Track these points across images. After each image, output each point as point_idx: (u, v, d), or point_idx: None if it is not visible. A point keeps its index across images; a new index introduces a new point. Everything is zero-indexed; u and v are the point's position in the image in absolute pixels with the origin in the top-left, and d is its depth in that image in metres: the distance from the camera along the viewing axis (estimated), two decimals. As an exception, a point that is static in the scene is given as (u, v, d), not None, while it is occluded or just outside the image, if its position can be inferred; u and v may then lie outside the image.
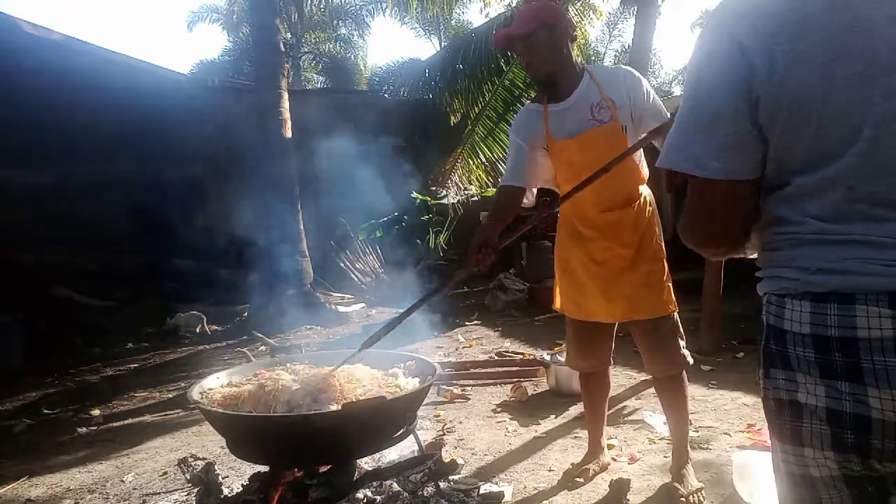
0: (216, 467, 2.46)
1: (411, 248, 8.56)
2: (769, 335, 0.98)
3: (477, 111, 9.65)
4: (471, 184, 10.43)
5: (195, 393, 2.23)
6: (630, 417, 3.57)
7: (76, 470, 3.32)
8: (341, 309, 7.72)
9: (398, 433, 2.14)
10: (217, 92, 11.09)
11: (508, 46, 2.65)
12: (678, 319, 2.59)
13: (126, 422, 4.13)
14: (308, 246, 8.01)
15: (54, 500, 2.99)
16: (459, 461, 2.70)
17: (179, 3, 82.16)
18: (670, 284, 2.55)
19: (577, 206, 2.59)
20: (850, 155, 0.90)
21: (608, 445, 2.98)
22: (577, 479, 2.72)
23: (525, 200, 2.62)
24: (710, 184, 0.98)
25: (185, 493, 2.82)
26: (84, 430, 3.96)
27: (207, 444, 3.49)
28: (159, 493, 2.94)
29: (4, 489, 3.11)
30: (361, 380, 2.23)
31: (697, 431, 3.20)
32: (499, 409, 3.89)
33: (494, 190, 9.62)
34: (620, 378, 4.17)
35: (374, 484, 2.29)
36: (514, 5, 9.13)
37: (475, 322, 6.99)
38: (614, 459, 2.94)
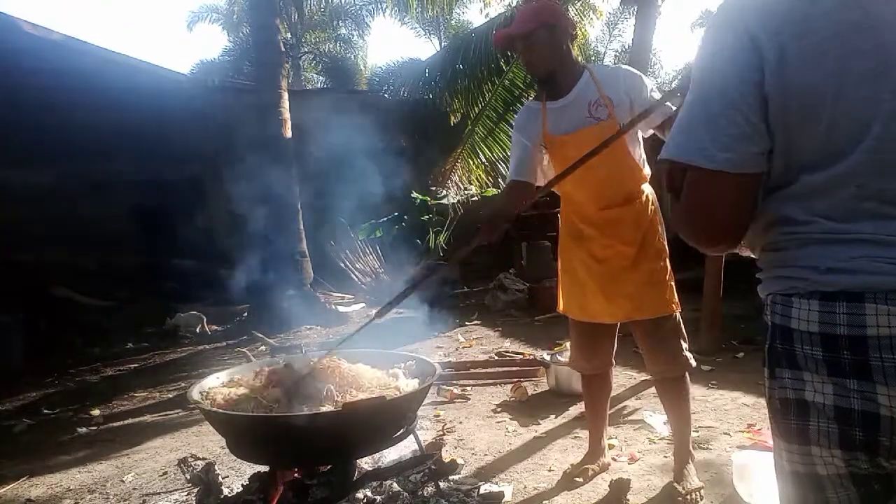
0: (216, 467, 2.46)
1: (411, 248, 8.56)
2: (774, 335, 0.98)
3: (477, 111, 9.65)
4: (471, 184, 10.43)
5: (195, 393, 2.23)
6: (630, 417, 3.57)
7: (76, 470, 3.32)
8: (341, 309, 7.72)
9: (398, 433, 2.14)
10: (217, 92, 11.10)
11: (508, 46, 2.66)
12: (680, 320, 2.59)
13: (126, 422, 4.13)
14: (308, 246, 8.01)
15: (54, 500, 2.98)
16: (459, 461, 2.70)
17: (179, 3, 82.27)
18: (673, 284, 2.55)
19: (577, 205, 2.59)
20: (860, 152, 0.90)
21: (608, 445, 2.98)
22: (577, 479, 2.72)
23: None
24: (718, 176, 0.96)
25: (185, 493, 2.82)
26: (84, 430, 3.96)
27: (207, 444, 3.49)
28: (159, 493, 2.94)
29: (4, 489, 3.11)
30: (364, 376, 2.24)
31: (697, 431, 3.20)
32: (499, 409, 3.89)
33: (494, 190, 9.68)
34: (620, 378, 4.17)
35: (374, 484, 2.29)
36: (514, 5, 9.14)
37: (475, 322, 6.99)
38: (614, 459, 2.94)
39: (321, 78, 23.23)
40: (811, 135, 0.93)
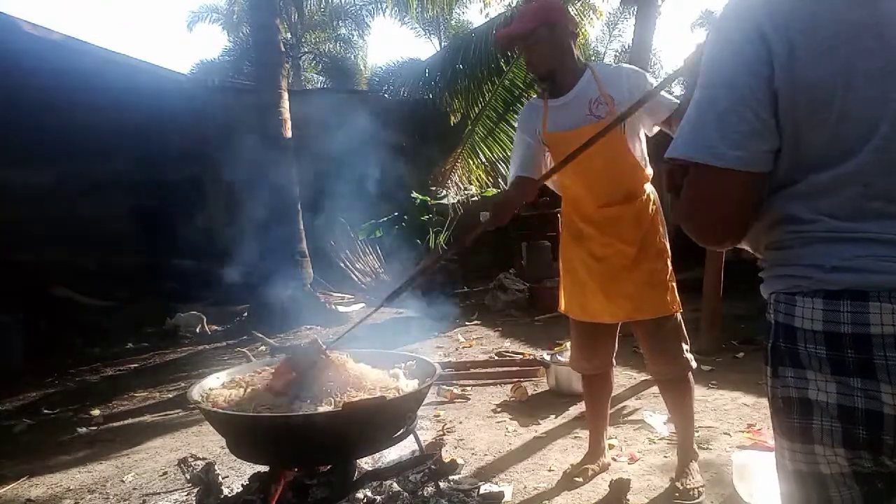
0: (216, 467, 2.46)
1: (411, 248, 8.56)
2: (778, 333, 0.98)
3: (477, 111, 9.64)
4: (471, 184, 10.42)
5: (195, 393, 2.23)
6: (630, 417, 3.57)
7: (76, 470, 3.32)
8: (341, 309, 7.72)
9: (398, 433, 2.14)
10: (217, 92, 11.10)
11: (509, 46, 2.66)
12: (682, 322, 2.58)
13: (126, 422, 4.13)
14: (308, 246, 8.01)
15: (54, 500, 2.98)
16: (459, 461, 2.70)
17: (179, 3, 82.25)
18: (674, 284, 2.54)
19: (577, 203, 2.59)
20: (868, 151, 0.90)
21: (608, 445, 2.98)
22: (577, 479, 2.72)
23: None
24: (725, 174, 0.95)
25: (185, 493, 2.82)
26: (84, 430, 3.95)
27: (207, 444, 3.49)
28: (159, 493, 2.94)
29: (4, 489, 3.11)
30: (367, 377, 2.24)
31: (698, 431, 3.18)
32: (499, 409, 3.89)
33: (494, 190, 9.67)
34: (620, 378, 4.16)
35: (374, 484, 2.29)
36: (513, 5, 9.14)
37: (475, 322, 6.99)
38: (614, 459, 2.94)
39: (321, 78, 23.24)
40: (819, 131, 0.92)
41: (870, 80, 0.89)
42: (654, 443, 3.16)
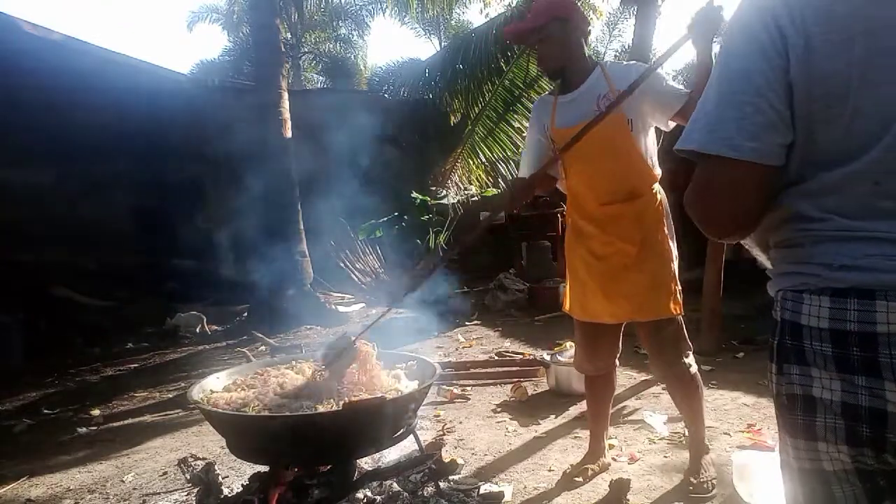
0: (216, 467, 2.46)
1: (411, 248, 8.56)
2: (784, 330, 0.98)
3: (477, 111, 9.63)
4: (471, 184, 10.42)
5: (195, 393, 2.23)
6: (630, 417, 3.57)
7: (76, 470, 3.32)
8: (341, 309, 7.72)
9: (398, 433, 2.14)
10: (217, 92, 11.09)
11: (520, 40, 2.66)
12: (683, 325, 2.56)
13: (126, 422, 4.13)
14: (308, 246, 8.01)
15: (54, 500, 2.98)
16: (459, 461, 2.71)
17: (179, 3, 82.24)
18: (678, 287, 2.51)
19: (579, 200, 2.58)
20: (880, 149, 0.89)
21: (608, 445, 2.98)
22: (577, 479, 2.71)
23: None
24: (738, 166, 0.94)
25: (185, 493, 2.82)
26: (84, 430, 3.95)
27: (207, 444, 3.49)
28: (159, 493, 2.94)
29: (4, 489, 3.11)
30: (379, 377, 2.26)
31: (698, 431, 3.20)
32: (499, 409, 3.89)
33: (494, 190, 9.67)
34: (620, 378, 4.14)
35: (374, 484, 2.29)
36: (514, 5, 9.13)
37: (475, 322, 6.99)
38: (614, 459, 2.94)
39: (321, 78, 23.24)
40: (833, 126, 0.92)
41: (885, 79, 0.88)
42: (654, 443, 3.16)
